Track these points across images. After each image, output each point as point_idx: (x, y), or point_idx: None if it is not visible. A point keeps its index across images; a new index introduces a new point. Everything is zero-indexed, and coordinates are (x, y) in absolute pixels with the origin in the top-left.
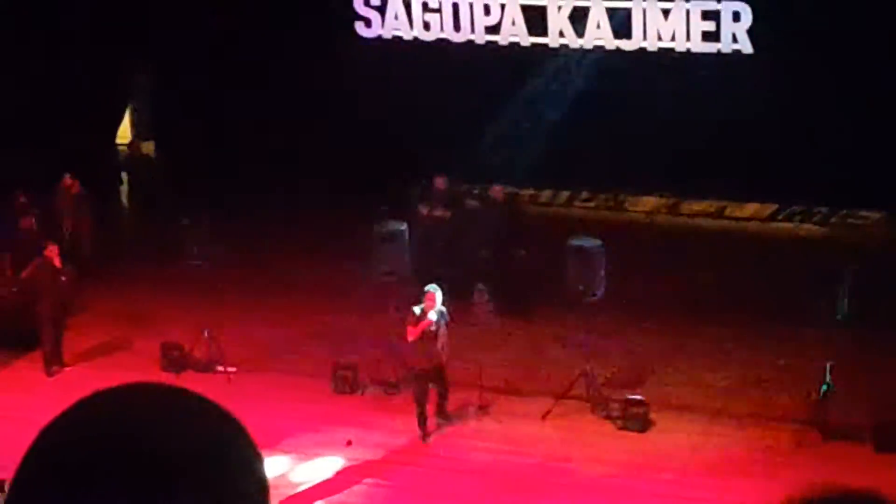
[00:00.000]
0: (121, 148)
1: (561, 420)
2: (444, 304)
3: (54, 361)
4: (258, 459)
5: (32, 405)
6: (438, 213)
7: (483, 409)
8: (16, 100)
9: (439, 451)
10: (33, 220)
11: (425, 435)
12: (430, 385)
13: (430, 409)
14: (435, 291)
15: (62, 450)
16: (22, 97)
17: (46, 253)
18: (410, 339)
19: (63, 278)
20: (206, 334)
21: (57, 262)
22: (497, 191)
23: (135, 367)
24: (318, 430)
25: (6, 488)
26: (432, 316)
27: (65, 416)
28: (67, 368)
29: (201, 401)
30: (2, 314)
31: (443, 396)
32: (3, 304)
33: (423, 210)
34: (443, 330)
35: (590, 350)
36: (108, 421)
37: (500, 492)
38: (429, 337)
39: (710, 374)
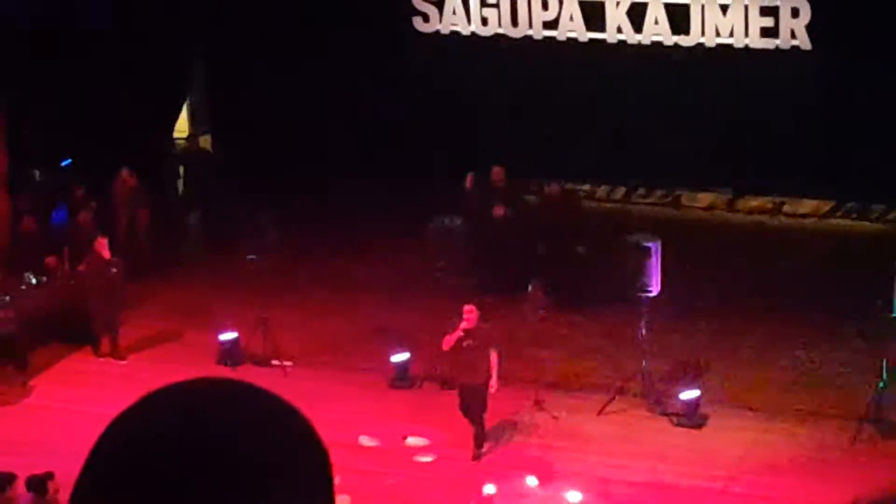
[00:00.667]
0: (179, 142)
1: (617, 416)
2: (484, 318)
3: (111, 354)
4: (325, 463)
5: (89, 398)
6: (500, 211)
7: (539, 404)
8: (74, 94)
9: (494, 446)
10: (90, 214)
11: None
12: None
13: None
14: (473, 306)
15: (141, 451)
16: (80, 92)
17: (95, 246)
18: (445, 348)
19: (113, 270)
20: (262, 327)
21: (106, 255)
22: (555, 188)
23: (191, 360)
24: (373, 425)
25: (77, 483)
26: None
27: (134, 414)
28: (124, 362)
29: (271, 400)
30: (58, 308)
31: (476, 423)
32: (60, 297)
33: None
34: (491, 352)
35: (646, 346)
36: (186, 421)
37: (555, 488)
38: (467, 352)
39: (765, 371)
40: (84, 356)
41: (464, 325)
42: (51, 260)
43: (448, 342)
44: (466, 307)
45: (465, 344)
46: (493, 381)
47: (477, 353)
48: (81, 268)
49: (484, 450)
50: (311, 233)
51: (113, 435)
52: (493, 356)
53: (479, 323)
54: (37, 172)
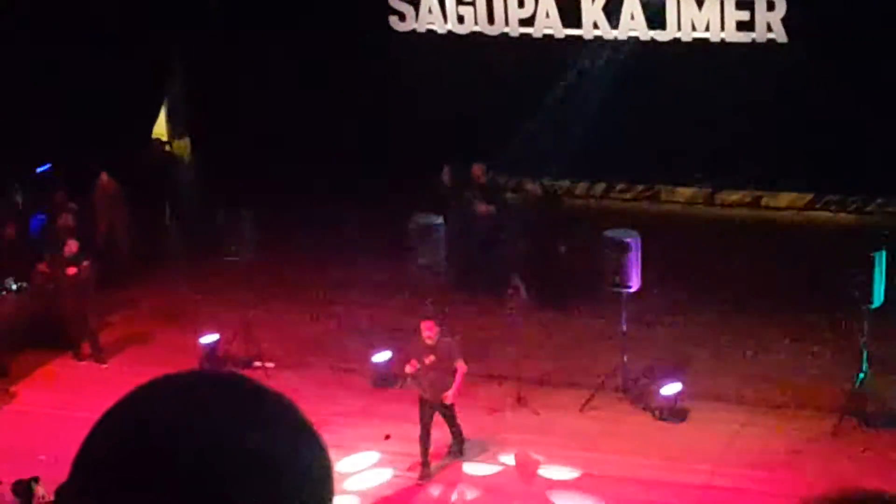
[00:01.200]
0: (156, 145)
1: (599, 412)
2: (444, 331)
3: (91, 357)
4: (324, 467)
5: (71, 403)
6: (483, 208)
7: (521, 401)
8: (53, 98)
9: (477, 443)
10: (71, 217)
11: (423, 468)
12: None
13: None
14: (432, 321)
15: (114, 455)
16: (58, 96)
17: (65, 249)
18: (407, 370)
19: (84, 263)
20: (243, 329)
21: (72, 250)
22: (534, 188)
23: (172, 362)
24: (356, 425)
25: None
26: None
27: (114, 415)
28: (105, 365)
29: (269, 394)
30: (39, 313)
31: (456, 435)
32: (39, 303)
33: (471, 205)
34: (458, 364)
35: (627, 342)
36: (183, 416)
37: (539, 485)
38: (429, 370)
39: (746, 364)
40: (65, 361)
41: (425, 342)
42: (42, 266)
43: (413, 366)
44: (425, 323)
45: (427, 361)
46: (450, 393)
47: (441, 370)
48: (42, 267)
49: (466, 445)
50: (292, 233)
51: (105, 430)
52: (460, 368)
53: (441, 337)
54: (16, 184)
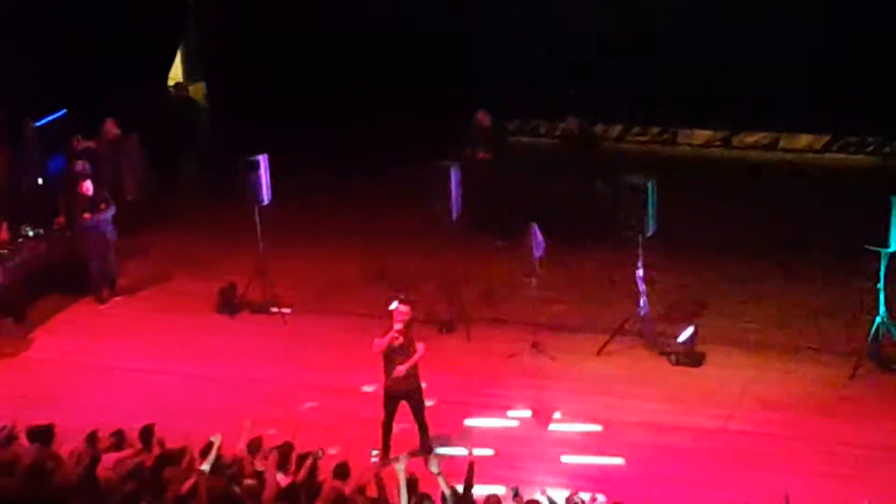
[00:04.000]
0: (171, 89)
1: (615, 356)
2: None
3: (109, 294)
4: None
5: (89, 349)
6: (481, 154)
7: (537, 346)
8: (67, 41)
9: (493, 388)
10: (86, 164)
11: (384, 452)
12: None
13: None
14: (408, 308)
15: None
16: (73, 38)
17: (81, 190)
18: (375, 351)
19: (101, 206)
20: (260, 275)
21: (88, 192)
22: (571, 124)
23: (189, 309)
24: (374, 372)
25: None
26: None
27: None
28: (120, 311)
29: None
30: (57, 259)
31: (421, 428)
32: (58, 249)
33: (469, 151)
34: (418, 346)
35: (643, 287)
36: None
37: (555, 430)
38: (397, 353)
39: (763, 307)
40: (83, 307)
41: (396, 326)
42: (59, 220)
43: (379, 346)
44: (398, 308)
45: (395, 345)
46: (404, 365)
47: (406, 353)
48: (59, 220)
49: (432, 442)
50: (308, 179)
51: None
52: (420, 349)
53: (411, 321)
54: (32, 123)
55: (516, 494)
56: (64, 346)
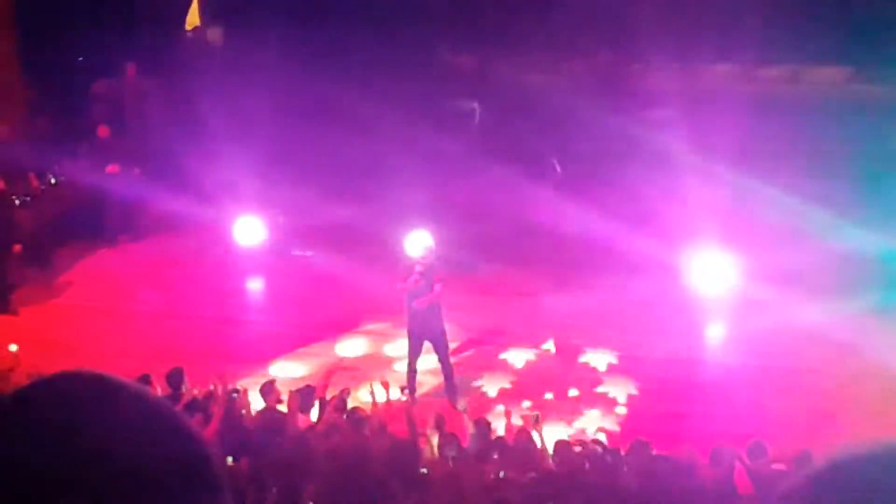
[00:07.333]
0: (188, 33)
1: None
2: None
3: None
4: (200, 460)
5: (114, 296)
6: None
7: (558, 284)
8: None
9: (516, 328)
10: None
11: (410, 391)
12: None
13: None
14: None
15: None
16: None
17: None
18: (399, 287)
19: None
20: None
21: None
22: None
23: (209, 251)
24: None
25: None
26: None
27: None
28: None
29: (141, 399)
30: (81, 207)
31: (446, 368)
32: (82, 196)
33: None
34: (437, 290)
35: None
36: (56, 427)
37: (579, 367)
38: (417, 294)
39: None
40: (107, 253)
41: (417, 268)
42: (102, 130)
43: (403, 288)
44: (420, 251)
45: (417, 286)
46: (424, 298)
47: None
48: None
49: (460, 394)
50: (326, 119)
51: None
52: (437, 289)
53: (432, 265)
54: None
55: (536, 421)
56: (88, 293)
